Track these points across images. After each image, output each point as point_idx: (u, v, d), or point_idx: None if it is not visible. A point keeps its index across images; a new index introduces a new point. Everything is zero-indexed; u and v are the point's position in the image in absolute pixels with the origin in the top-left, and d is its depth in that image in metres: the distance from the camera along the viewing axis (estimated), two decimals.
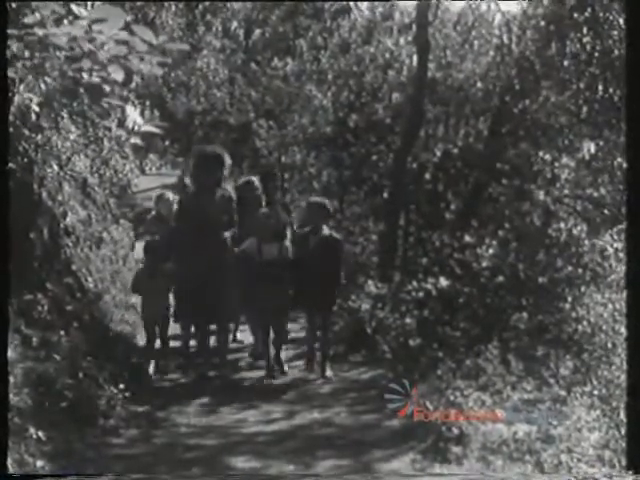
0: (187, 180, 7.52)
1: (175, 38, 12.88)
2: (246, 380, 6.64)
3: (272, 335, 6.69)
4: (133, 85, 3.79)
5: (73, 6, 3.43)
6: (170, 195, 7.40)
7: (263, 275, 6.53)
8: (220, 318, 6.72)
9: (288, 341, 7.11)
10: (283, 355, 6.82)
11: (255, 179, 7.50)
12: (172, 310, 6.79)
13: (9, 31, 3.57)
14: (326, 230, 6.75)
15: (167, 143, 16.25)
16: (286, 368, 6.78)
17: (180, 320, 6.93)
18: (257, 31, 15.69)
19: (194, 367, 6.68)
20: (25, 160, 5.79)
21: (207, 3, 15.21)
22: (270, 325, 6.68)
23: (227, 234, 6.59)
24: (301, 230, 6.98)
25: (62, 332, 5.59)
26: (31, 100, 5.04)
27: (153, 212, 7.50)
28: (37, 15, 3.52)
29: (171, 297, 6.77)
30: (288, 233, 6.78)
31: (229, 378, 6.61)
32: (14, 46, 3.58)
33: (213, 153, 6.79)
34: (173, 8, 13.80)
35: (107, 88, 3.64)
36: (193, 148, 7.84)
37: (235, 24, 16.26)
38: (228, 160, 6.78)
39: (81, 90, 3.72)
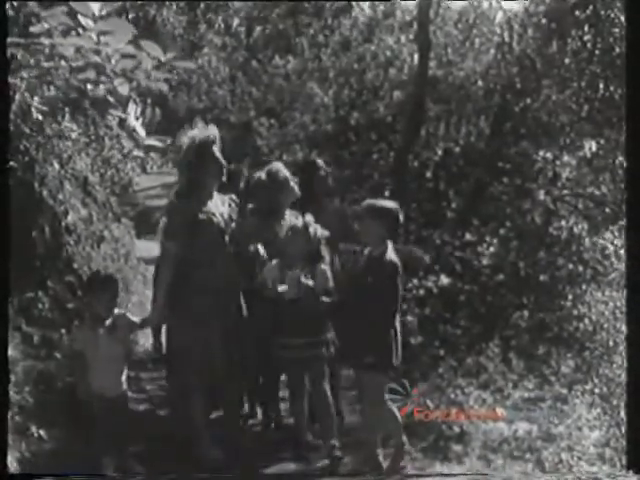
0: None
1: (177, 39, 12.90)
2: None
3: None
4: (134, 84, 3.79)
5: (80, 18, 3.41)
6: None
7: (282, 321, 4.63)
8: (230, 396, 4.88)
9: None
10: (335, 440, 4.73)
11: (282, 167, 5.55)
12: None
13: (15, 40, 3.56)
14: (390, 252, 4.51)
15: (168, 142, 16.29)
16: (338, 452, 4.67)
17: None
18: (258, 29, 15.70)
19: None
20: (26, 159, 5.79)
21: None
22: (302, 394, 4.78)
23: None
24: (348, 248, 4.93)
25: (63, 330, 5.59)
26: (32, 99, 5.05)
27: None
28: (44, 25, 3.50)
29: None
30: (325, 255, 4.76)
31: None
32: (19, 54, 3.58)
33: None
34: (174, 6, 13.85)
35: (112, 99, 3.64)
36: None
37: (236, 22, 16.26)
38: None
39: (86, 102, 3.72)
